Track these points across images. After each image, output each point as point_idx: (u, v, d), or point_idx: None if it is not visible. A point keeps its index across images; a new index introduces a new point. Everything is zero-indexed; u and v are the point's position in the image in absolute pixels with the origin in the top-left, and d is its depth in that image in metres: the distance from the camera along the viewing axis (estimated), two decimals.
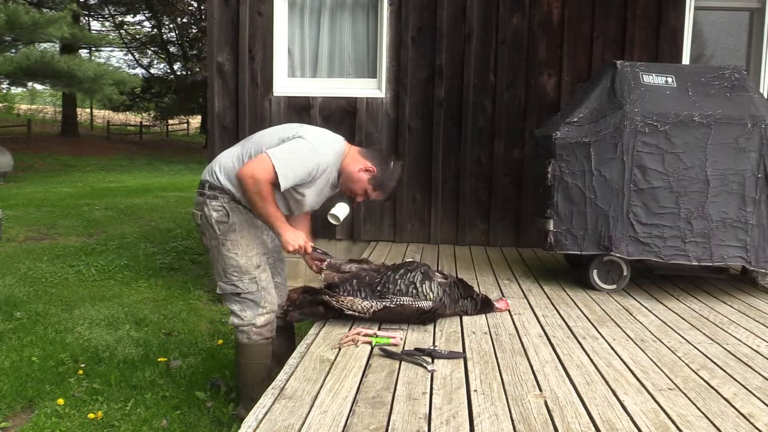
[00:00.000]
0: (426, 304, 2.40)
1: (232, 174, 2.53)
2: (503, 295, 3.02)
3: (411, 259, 2.72)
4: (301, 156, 2.45)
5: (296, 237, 2.52)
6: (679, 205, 3.06)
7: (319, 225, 3.96)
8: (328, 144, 2.58)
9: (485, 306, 2.67)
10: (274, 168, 2.37)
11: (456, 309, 2.57)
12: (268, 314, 2.64)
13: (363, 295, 2.43)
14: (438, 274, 2.60)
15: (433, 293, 2.44)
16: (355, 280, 2.47)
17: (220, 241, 2.58)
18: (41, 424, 2.82)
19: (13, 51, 14.32)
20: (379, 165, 2.61)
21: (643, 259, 3.14)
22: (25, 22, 12.83)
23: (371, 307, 2.39)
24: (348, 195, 2.71)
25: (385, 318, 2.43)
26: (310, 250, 2.58)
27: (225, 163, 2.61)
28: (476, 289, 2.88)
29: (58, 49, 14.35)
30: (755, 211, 3.06)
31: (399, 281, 2.43)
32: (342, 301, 2.42)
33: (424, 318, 2.43)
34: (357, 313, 2.40)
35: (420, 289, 2.42)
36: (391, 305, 2.39)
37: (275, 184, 2.39)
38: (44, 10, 16.21)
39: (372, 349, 2.15)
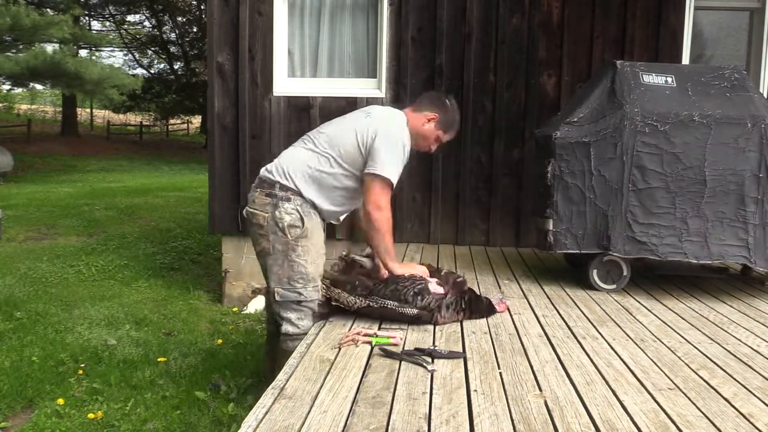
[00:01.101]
0: (411, 311, 2.40)
1: (309, 177, 2.49)
2: (503, 294, 3.01)
3: (427, 269, 2.71)
4: (398, 154, 2.47)
5: (418, 269, 2.62)
6: (675, 204, 3.07)
7: None
8: (402, 124, 2.58)
9: (488, 310, 2.66)
10: (391, 184, 2.42)
11: (453, 320, 2.55)
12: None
13: (352, 291, 2.48)
14: (446, 293, 2.52)
15: (423, 302, 2.42)
16: (359, 288, 2.50)
17: (289, 246, 2.46)
18: (41, 424, 2.83)
19: (14, 51, 14.31)
20: (438, 108, 2.64)
21: (642, 257, 3.15)
22: (25, 24, 12.85)
23: (355, 302, 2.44)
24: (423, 152, 2.75)
25: (367, 315, 2.47)
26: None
27: (297, 164, 2.51)
28: (477, 290, 2.87)
29: (68, 50, 14.21)
30: (758, 211, 3.06)
31: (389, 295, 2.44)
32: (330, 293, 2.49)
33: (409, 320, 2.44)
34: (342, 306, 2.46)
35: (412, 302, 2.42)
36: (374, 305, 2.42)
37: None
38: (47, 11, 16.18)
39: (372, 349, 2.15)
